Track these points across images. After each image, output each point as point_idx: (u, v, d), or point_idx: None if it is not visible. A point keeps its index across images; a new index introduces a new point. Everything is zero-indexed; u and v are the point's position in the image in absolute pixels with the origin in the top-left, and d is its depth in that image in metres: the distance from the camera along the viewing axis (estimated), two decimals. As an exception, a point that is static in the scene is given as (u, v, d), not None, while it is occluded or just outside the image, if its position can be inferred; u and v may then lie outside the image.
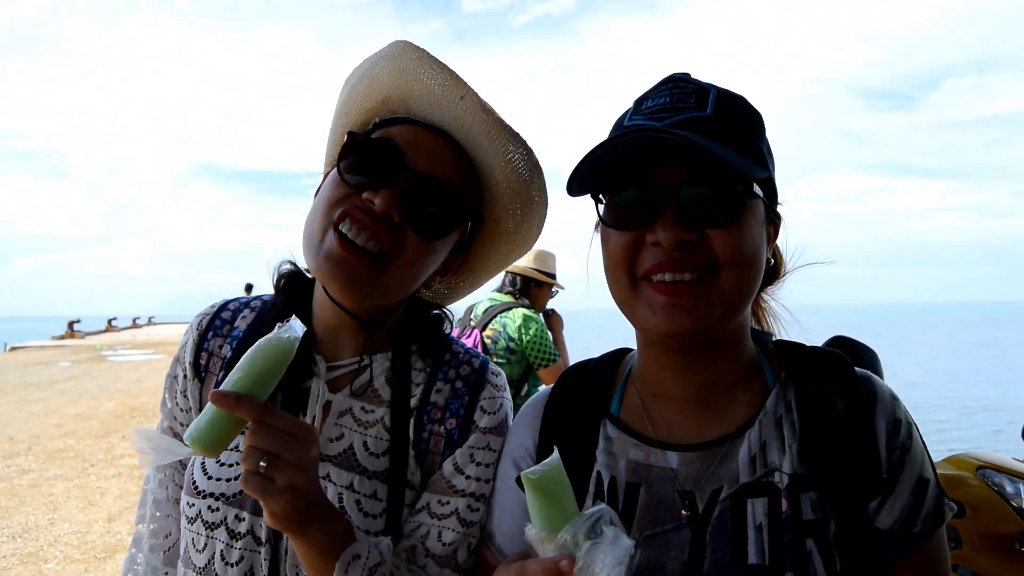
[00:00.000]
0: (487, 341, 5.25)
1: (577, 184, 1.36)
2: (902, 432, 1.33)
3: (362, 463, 1.58)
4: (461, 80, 1.51)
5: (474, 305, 5.58)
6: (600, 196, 1.39)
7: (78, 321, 54.16)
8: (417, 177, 1.52)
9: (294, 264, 1.76)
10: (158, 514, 1.76)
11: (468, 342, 5.14)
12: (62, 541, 8.07)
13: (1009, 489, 3.21)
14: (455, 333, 4.06)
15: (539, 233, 1.76)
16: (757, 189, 1.33)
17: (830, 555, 1.24)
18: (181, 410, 1.77)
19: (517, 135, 1.57)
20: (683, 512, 1.33)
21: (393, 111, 1.63)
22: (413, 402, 1.65)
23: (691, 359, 1.39)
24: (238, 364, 1.33)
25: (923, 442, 1.36)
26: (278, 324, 1.36)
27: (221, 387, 1.31)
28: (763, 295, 1.61)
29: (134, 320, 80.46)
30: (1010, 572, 3.25)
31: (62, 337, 50.50)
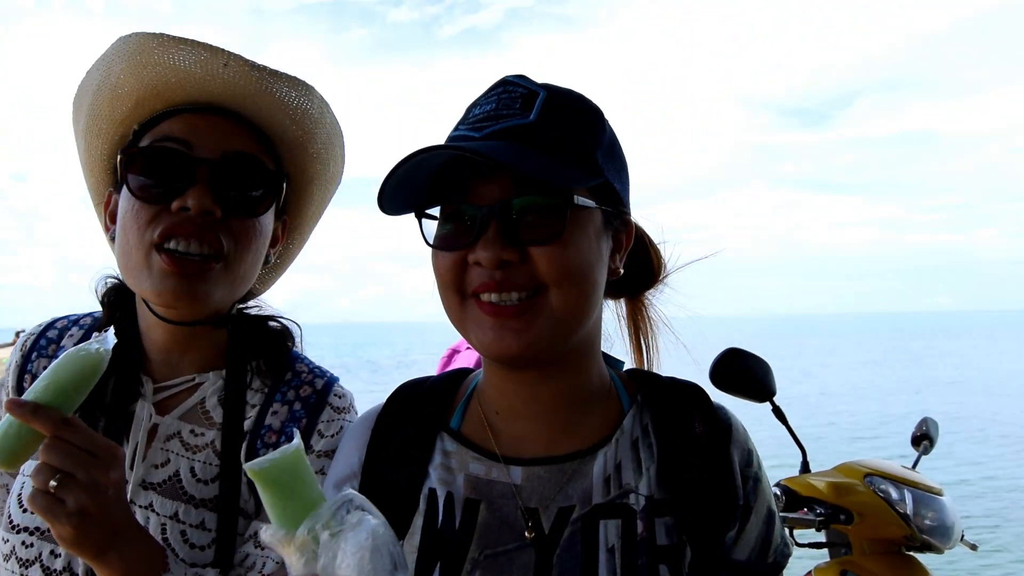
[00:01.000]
0: None
1: (391, 202, 1.26)
2: (754, 462, 1.33)
3: (188, 490, 1.48)
4: (219, 49, 1.42)
5: None
6: (424, 213, 1.30)
7: (-22, 332, 51.33)
8: (214, 165, 1.45)
9: (118, 279, 1.63)
10: None
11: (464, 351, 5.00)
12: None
13: (894, 495, 3.34)
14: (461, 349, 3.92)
15: (344, 162, 1.69)
16: (583, 200, 1.23)
17: None
18: None
19: (293, 78, 1.49)
20: (526, 533, 1.25)
21: (152, 110, 1.52)
22: (247, 424, 1.55)
23: (533, 375, 1.32)
24: (43, 373, 1.23)
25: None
26: (94, 334, 1.27)
27: (23, 396, 1.21)
28: (644, 300, 1.55)
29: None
30: (898, 574, 3.37)
31: (-36, 350, 47.82)
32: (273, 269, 1.78)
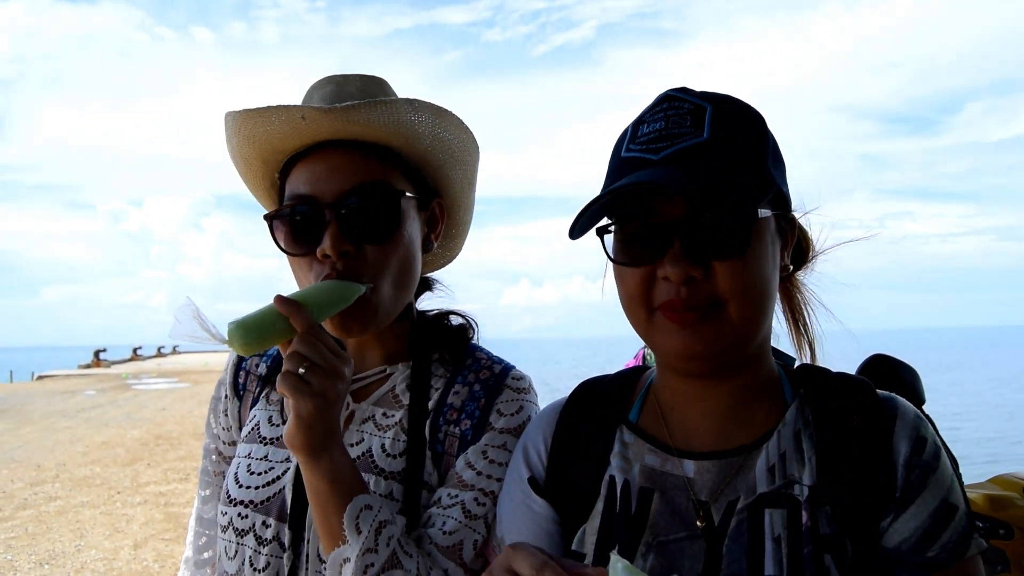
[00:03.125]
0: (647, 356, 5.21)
1: (579, 228, 1.34)
2: (926, 452, 1.28)
3: (379, 464, 1.61)
4: (291, 107, 1.54)
5: None
6: (605, 230, 1.36)
7: (104, 350, 54.80)
8: (336, 204, 1.56)
9: None
10: (204, 532, 1.86)
11: (633, 362, 5.14)
12: (88, 568, 8.10)
13: (1058, 510, 3.13)
14: (632, 362, 4.13)
15: (466, 133, 1.74)
16: (763, 211, 1.29)
17: (848, 573, 1.20)
18: (224, 429, 1.85)
19: (368, 103, 1.55)
20: (698, 523, 1.30)
21: (279, 162, 1.68)
22: (430, 404, 1.68)
23: (709, 381, 1.38)
24: (306, 288, 1.49)
25: (956, 471, 1.33)
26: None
27: (283, 294, 1.43)
28: (796, 281, 1.56)
29: (159, 349, 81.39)
30: (1061, 596, 3.16)
31: (88, 366, 51.16)
32: (450, 241, 1.91)
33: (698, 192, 1.21)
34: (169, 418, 20.45)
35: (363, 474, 1.58)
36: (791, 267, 1.46)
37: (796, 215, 1.46)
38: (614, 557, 1.05)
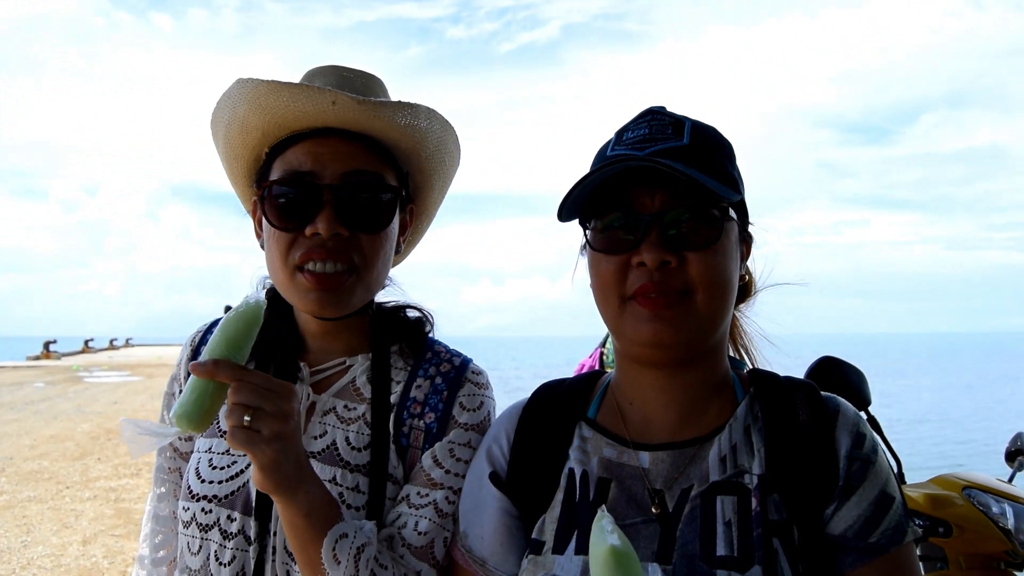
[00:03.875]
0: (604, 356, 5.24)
1: (567, 210, 1.45)
2: (865, 446, 1.39)
3: (344, 457, 1.63)
4: (326, 90, 1.56)
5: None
6: (587, 222, 1.48)
7: (54, 342, 53.28)
8: (337, 188, 1.59)
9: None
10: (160, 530, 1.83)
11: (589, 362, 5.19)
12: (35, 564, 7.91)
13: (995, 509, 3.25)
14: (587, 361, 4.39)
15: (458, 152, 1.83)
16: (732, 212, 1.44)
17: (795, 557, 1.30)
18: None
19: (396, 103, 1.62)
20: (653, 509, 1.39)
21: (277, 137, 1.67)
22: (393, 398, 1.71)
23: (669, 372, 1.47)
24: (213, 335, 1.40)
25: (890, 466, 1.42)
26: (244, 295, 1.44)
27: (195, 361, 1.37)
28: (737, 313, 1.69)
29: (111, 341, 79.43)
30: (997, 591, 3.27)
31: (37, 358, 49.68)
32: (407, 246, 1.95)
33: (683, 179, 1.33)
34: (121, 411, 20.00)
35: (329, 467, 1.60)
36: (747, 277, 1.59)
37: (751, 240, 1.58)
38: (601, 512, 1.13)
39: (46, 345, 52.12)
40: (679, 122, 1.45)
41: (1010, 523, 3.20)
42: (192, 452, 1.76)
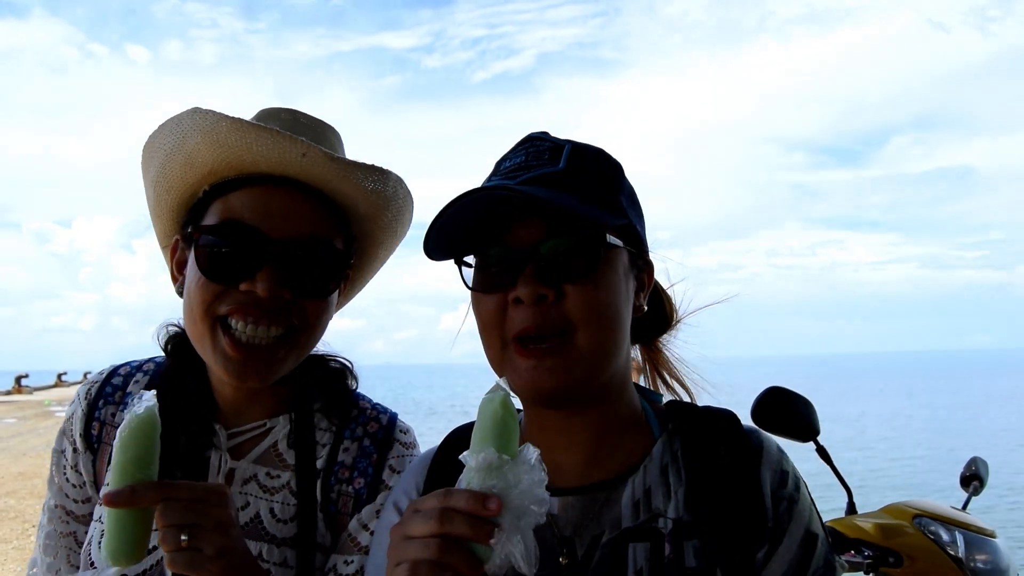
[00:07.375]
0: None
1: (434, 248, 1.36)
2: (789, 484, 1.34)
3: (270, 531, 1.53)
4: (298, 140, 1.43)
5: None
6: (463, 261, 1.40)
7: (26, 376, 52.36)
8: (284, 247, 1.46)
9: (180, 327, 1.66)
10: None
11: None
12: (-5, 609, 7.70)
13: (945, 537, 3.24)
14: None
15: (410, 224, 1.74)
16: (613, 239, 1.33)
17: None
18: (73, 485, 1.69)
19: (370, 167, 1.53)
20: (560, 560, 1.31)
21: (224, 177, 1.52)
22: (319, 463, 1.60)
23: (567, 413, 1.39)
24: (112, 460, 1.24)
25: (811, 498, 1.37)
26: (134, 398, 1.27)
27: (106, 491, 1.22)
28: (659, 344, 1.62)
29: (85, 375, 77.83)
30: (950, 619, 3.26)
31: (8, 392, 48.77)
32: (336, 306, 1.83)
33: (547, 203, 1.25)
34: (92, 447, 19.66)
35: (254, 542, 1.49)
36: (645, 308, 1.48)
37: (656, 269, 1.50)
38: (499, 381, 1.14)
39: (18, 379, 51.19)
40: (558, 146, 1.37)
41: (961, 552, 3.19)
42: (91, 516, 1.62)
